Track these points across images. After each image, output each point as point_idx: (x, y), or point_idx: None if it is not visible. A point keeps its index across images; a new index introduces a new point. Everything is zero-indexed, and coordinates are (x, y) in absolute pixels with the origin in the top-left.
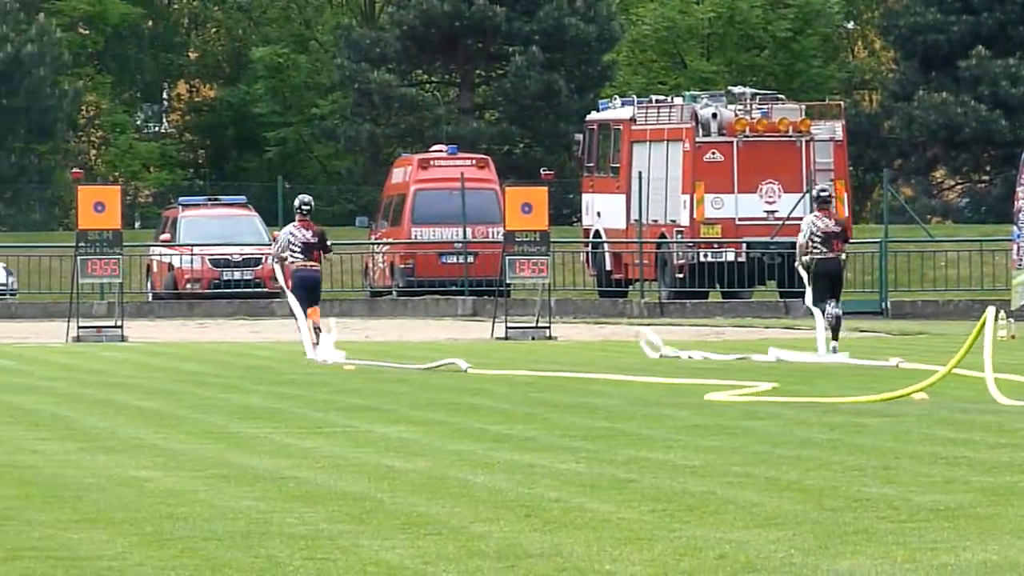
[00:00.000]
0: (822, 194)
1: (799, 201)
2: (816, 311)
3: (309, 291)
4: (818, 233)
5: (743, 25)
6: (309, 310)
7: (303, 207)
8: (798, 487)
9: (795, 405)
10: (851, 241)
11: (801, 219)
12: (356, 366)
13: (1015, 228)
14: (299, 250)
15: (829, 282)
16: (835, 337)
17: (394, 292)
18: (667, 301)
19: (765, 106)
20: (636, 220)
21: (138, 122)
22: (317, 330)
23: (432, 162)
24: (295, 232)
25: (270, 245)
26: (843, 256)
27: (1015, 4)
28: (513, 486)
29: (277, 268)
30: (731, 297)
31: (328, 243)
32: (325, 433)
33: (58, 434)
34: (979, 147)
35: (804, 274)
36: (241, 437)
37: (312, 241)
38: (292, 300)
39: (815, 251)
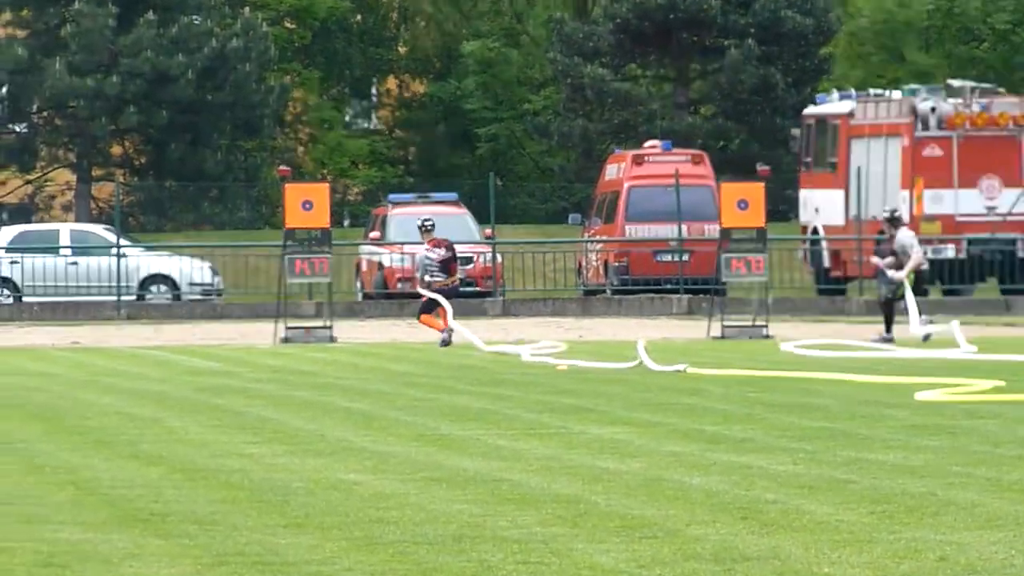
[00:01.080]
0: (895, 214)
1: (1020, 196)
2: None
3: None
4: (920, 246)
5: (962, 17)
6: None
7: (426, 224)
8: (1020, 487)
9: (1018, 404)
10: None
11: (1023, 215)
12: (568, 366)
13: None
14: (437, 269)
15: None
16: (889, 329)
17: (608, 291)
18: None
19: (985, 100)
20: (855, 216)
21: (347, 118)
22: (450, 330)
23: (646, 158)
24: (429, 255)
25: (479, 243)
26: None
27: None
28: (730, 488)
29: (424, 290)
30: (951, 295)
31: (456, 253)
32: (538, 434)
33: (265, 437)
34: None
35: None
36: (452, 439)
37: (447, 256)
38: (442, 302)
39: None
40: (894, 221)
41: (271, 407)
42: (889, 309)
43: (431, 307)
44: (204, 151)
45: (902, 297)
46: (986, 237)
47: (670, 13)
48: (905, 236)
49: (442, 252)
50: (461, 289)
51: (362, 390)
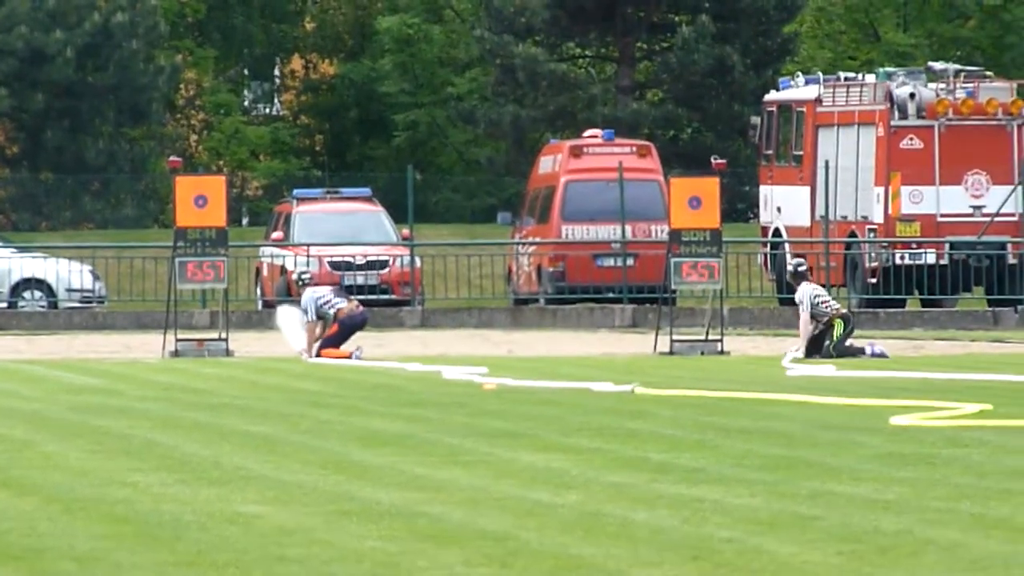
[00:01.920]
0: (800, 268)
1: (1011, 194)
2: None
3: (356, 330)
4: (822, 295)
5: None
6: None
7: (303, 277)
8: (1008, 525)
9: (1006, 430)
10: None
11: (1013, 216)
12: (496, 384)
13: None
14: (334, 296)
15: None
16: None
17: (541, 300)
18: (857, 310)
19: (971, 85)
20: (822, 216)
21: (246, 103)
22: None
23: (585, 149)
24: (316, 291)
25: (399, 245)
26: None
27: None
28: (679, 524)
29: (308, 335)
30: (931, 305)
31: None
32: (462, 462)
33: (153, 463)
34: None
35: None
36: (365, 467)
37: (337, 286)
38: (296, 341)
39: (830, 309)
40: (797, 276)
41: (159, 429)
42: (844, 352)
43: (340, 340)
44: (85, 139)
45: (840, 339)
46: (971, 240)
47: None
48: (801, 291)
49: (328, 285)
50: (379, 297)
51: (262, 411)
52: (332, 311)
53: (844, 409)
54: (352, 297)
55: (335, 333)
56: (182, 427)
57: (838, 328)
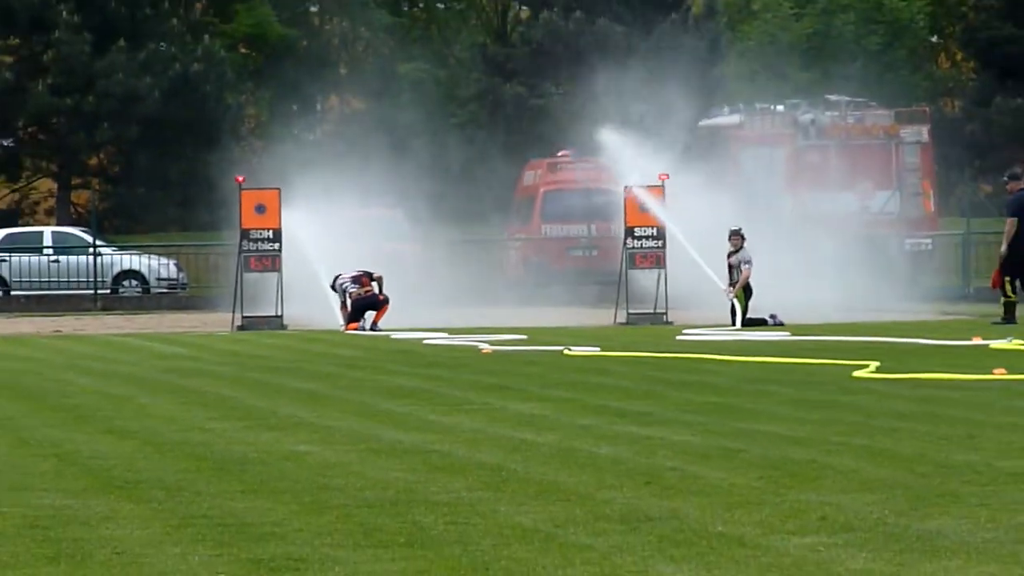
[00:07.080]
0: (741, 230)
1: (889, 197)
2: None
3: (365, 309)
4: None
5: (838, 39)
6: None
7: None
8: (891, 455)
9: (890, 381)
10: (937, 232)
11: (893, 214)
12: (493, 350)
13: None
14: (351, 281)
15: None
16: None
17: (527, 283)
18: None
19: (858, 112)
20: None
21: (294, 132)
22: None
23: (559, 165)
24: (342, 276)
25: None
26: None
27: None
28: (634, 456)
29: (340, 311)
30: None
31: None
32: (465, 410)
33: (224, 413)
34: None
35: (739, 304)
36: (390, 414)
37: (358, 274)
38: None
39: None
40: (740, 234)
41: (229, 387)
42: (750, 322)
43: (354, 317)
44: (169, 162)
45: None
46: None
47: (579, 37)
48: (748, 250)
49: (351, 274)
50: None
51: (310, 372)
52: (354, 293)
53: (764, 366)
54: (370, 284)
55: (351, 312)
56: (246, 385)
57: (741, 298)
